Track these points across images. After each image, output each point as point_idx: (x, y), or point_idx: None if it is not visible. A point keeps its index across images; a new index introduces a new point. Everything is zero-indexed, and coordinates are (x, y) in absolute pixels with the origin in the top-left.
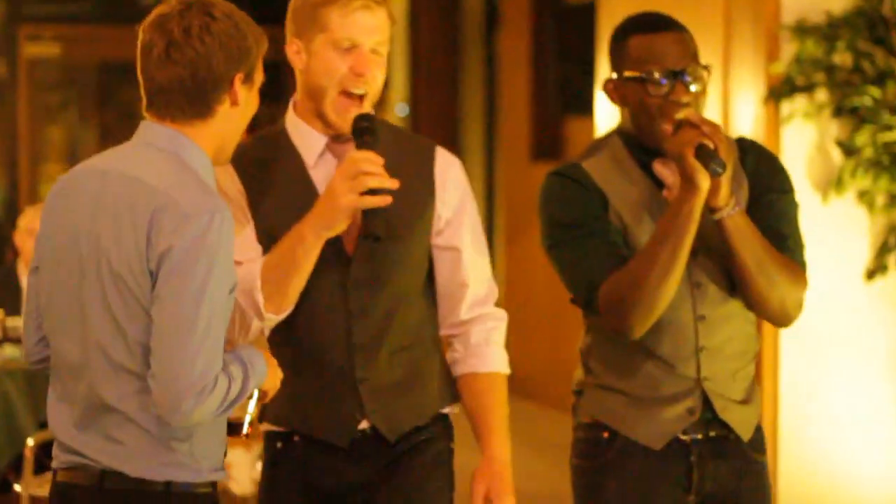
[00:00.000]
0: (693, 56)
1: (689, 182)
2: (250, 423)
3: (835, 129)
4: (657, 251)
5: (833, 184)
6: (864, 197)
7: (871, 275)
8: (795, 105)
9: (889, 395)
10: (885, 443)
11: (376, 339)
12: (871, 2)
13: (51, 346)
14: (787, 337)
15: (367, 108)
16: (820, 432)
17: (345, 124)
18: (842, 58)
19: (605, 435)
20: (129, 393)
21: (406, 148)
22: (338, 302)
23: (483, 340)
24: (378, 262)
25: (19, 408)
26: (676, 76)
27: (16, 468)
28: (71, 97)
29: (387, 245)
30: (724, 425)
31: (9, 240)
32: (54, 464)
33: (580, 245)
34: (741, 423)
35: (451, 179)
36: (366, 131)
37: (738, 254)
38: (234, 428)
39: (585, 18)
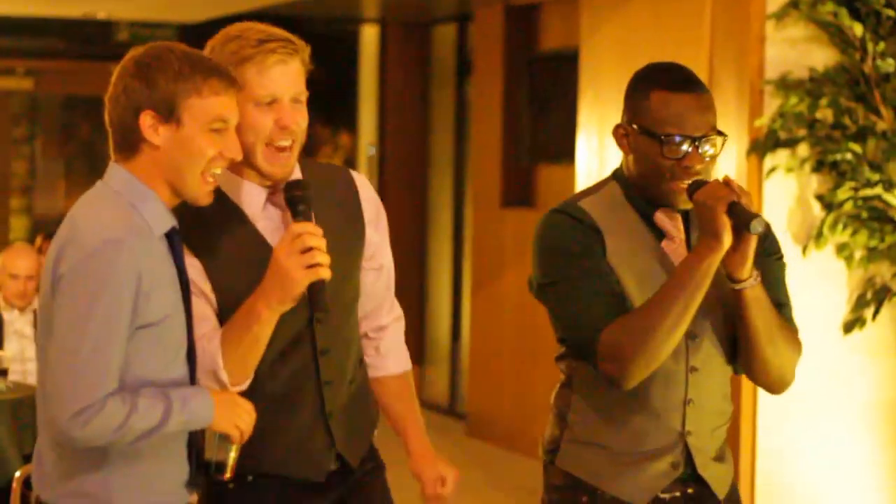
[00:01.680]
0: (712, 124)
1: (713, 238)
2: (231, 466)
3: (815, 183)
4: (669, 304)
5: (813, 237)
6: (843, 250)
7: (848, 327)
8: (778, 159)
9: (865, 445)
10: (861, 492)
11: (340, 373)
12: (853, 59)
13: None
14: None
15: (294, 154)
16: (798, 482)
17: (280, 173)
18: (824, 113)
19: (584, 499)
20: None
21: (332, 182)
22: (305, 342)
23: (397, 342)
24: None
25: (4, 440)
26: (694, 142)
27: (3, 501)
28: (37, 131)
29: (341, 286)
30: (702, 482)
31: None
32: None
33: (580, 286)
34: (718, 479)
35: (368, 199)
36: (299, 200)
37: (751, 324)
38: (217, 468)
39: (560, 66)
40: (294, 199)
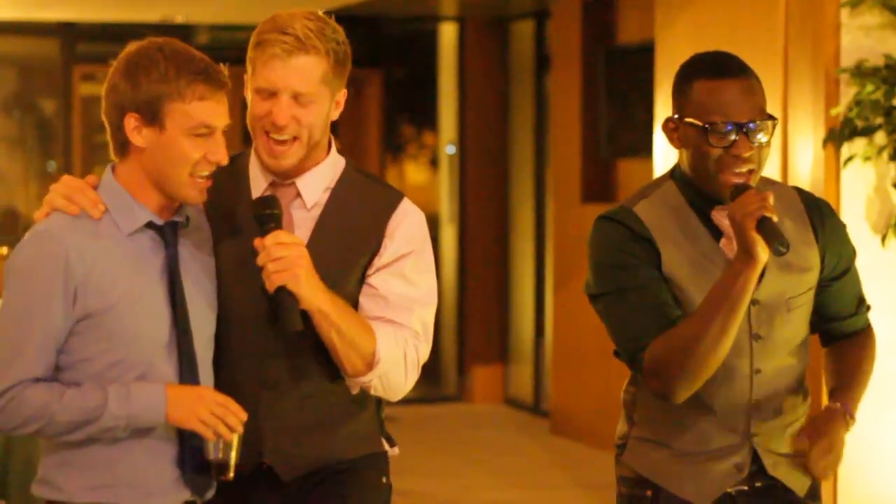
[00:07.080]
0: (760, 108)
1: (746, 254)
2: (233, 466)
3: (894, 171)
4: (708, 320)
5: (892, 226)
6: None
7: None
8: (855, 148)
9: None
10: None
11: (287, 380)
12: None
13: None
14: None
15: (297, 150)
16: (881, 483)
17: (275, 166)
18: None
19: (649, 493)
20: None
21: (361, 202)
22: (257, 344)
23: (382, 331)
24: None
25: None
26: (741, 128)
27: None
28: None
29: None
30: (772, 477)
31: None
32: None
33: (628, 298)
34: (793, 477)
35: (397, 234)
36: (269, 219)
37: None
38: (219, 469)
39: (637, 59)
40: (261, 218)
